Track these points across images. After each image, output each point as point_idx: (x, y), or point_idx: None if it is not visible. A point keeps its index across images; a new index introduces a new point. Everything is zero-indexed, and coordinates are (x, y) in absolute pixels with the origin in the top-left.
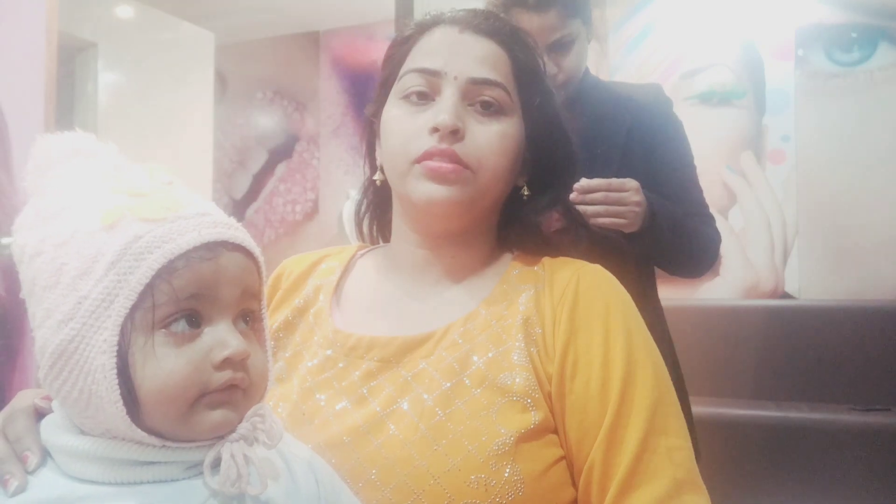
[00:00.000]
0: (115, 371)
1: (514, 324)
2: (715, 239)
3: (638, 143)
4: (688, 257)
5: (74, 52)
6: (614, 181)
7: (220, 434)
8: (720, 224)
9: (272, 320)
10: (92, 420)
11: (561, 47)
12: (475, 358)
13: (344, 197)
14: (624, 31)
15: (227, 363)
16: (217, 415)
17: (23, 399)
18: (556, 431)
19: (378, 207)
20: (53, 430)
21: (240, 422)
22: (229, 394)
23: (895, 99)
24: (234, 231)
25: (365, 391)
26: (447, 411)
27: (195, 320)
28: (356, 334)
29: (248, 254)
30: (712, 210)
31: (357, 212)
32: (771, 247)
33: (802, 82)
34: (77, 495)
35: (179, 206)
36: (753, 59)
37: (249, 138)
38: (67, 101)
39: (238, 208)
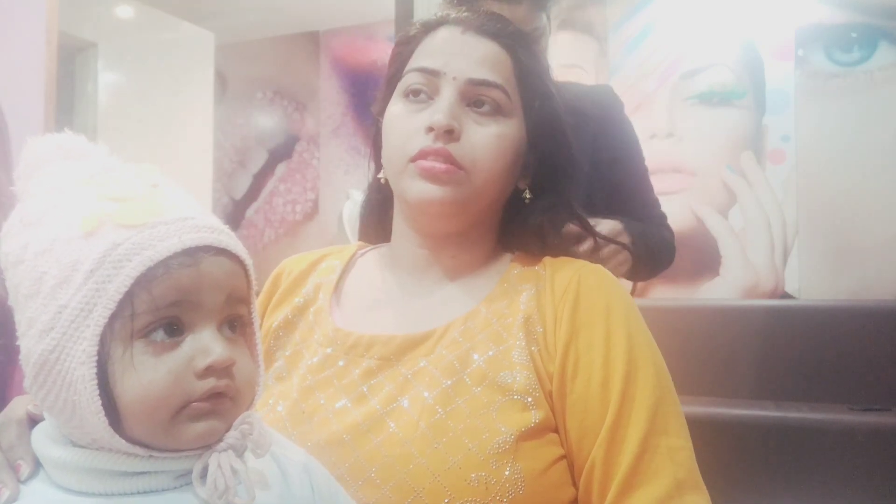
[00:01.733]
0: (94, 382)
1: (515, 322)
2: (670, 241)
3: (604, 147)
4: (650, 266)
5: (74, 52)
6: (605, 232)
7: (206, 444)
8: (720, 224)
9: (272, 319)
10: (78, 430)
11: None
12: (475, 356)
13: (344, 197)
14: (624, 31)
15: (210, 371)
16: (202, 425)
17: (16, 406)
18: (556, 430)
19: (382, 206)
20: (43, 441)
21: (227, 430)
22: (215, 403)
23: (895, 99)
24: (219, 235)
25: (365, 389)
26: (447, 409)
27: (177, 328)
28: (356, 332)
29: (234, 258)
30: (712, 210)
31: (362, 210)
32: (771, 247)
33: (802, 82)
34: None
35: (162, 211)
36: (753, 59)
37: (249, 138)
38: (67, 101)
39: (238, 208)
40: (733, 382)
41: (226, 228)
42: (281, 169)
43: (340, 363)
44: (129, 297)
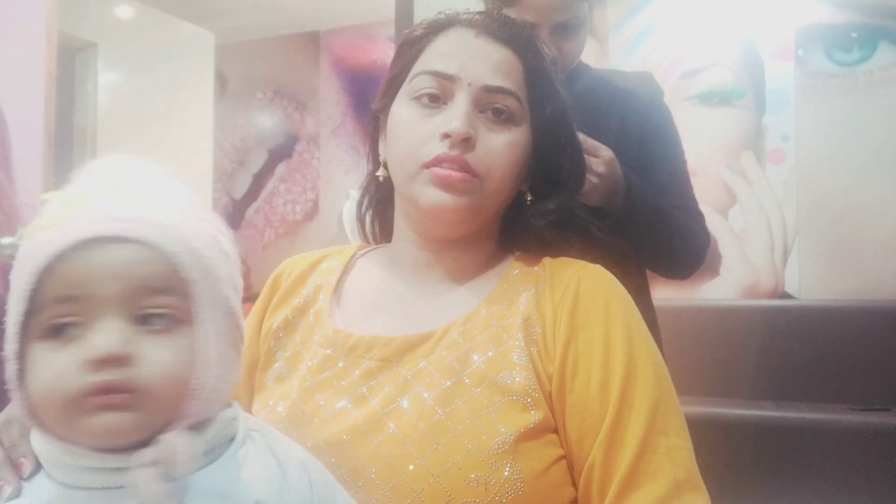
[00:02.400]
0: (17, 381)
1: (515, 323)
2: (701, 236)
3: (632, 131)
4: (669, 250)
5: (74, 52)
6: (589, 142)
7: (117, 439)
8: (720, 224)
9: (272, 320)
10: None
11: (567, 30)
12: (475, 357)
13: (344, 197)
14: (624, 31)
15: (98, 364)
16: (98, 420)
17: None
18: (556, 431)
19: (380, 204)
20: (36, 437)
21: (150, 424)
22: (110, 397)
23: (895, 99)
24: (129, 224)
25: (365, 390)
26: (447, 410)
27: (74, 324)
28: (356, 334)
29: (147, 247)
30: (712, 210)
31: (358, 209)
32: (771, 247)
33: (802, 82)
34: (67, 500)
35: (83, 209)
36: (753, 59)
37: (249, 138)
38: (67, 101)
39: (238, 208)
40: (733, 382)
41: (149, 218)
42: (281, 169)
43: (340, 364)
44: (34, 295)
